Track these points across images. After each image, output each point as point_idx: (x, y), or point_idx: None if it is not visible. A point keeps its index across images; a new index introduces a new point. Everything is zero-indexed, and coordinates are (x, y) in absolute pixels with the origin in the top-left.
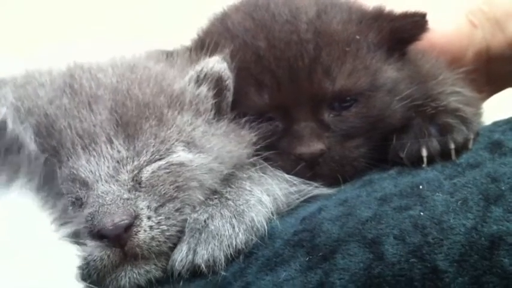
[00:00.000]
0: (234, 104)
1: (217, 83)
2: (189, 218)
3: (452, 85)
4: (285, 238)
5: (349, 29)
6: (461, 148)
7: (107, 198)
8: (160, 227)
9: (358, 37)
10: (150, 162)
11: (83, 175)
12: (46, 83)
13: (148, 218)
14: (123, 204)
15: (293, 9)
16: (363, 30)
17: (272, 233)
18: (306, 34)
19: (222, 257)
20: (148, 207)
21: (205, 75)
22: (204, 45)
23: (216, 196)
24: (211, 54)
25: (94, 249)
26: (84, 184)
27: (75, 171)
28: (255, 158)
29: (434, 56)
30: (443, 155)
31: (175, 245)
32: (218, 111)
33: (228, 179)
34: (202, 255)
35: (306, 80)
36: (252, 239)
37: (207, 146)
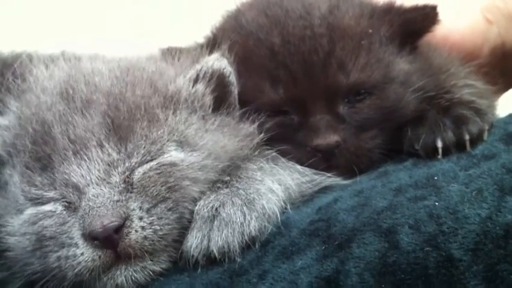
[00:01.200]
0: (248, 99)
1: (219, 80)
2: (198, 206)
3: (465, 78)
4: (301, 228)
5: (361, 23)
6: (476, 139)
7: (97, 201)
8: (153, 227)
9: (370, 31)
10: (141, 163)
11: (75, 180)
12: (49, 87)
13: (140, 218)
14: (112, 206)
15: (306, 5)
16: (375, 24)
17: (288, 223)
18: (320, 29)
19: (236, 243)
20: (140, 208)
21: (205, 73)
22: (217, 42)
23: (226, 185)
24: (229, 52)
25: (86, 249)
26: (76, 188)
27: (67, 177)
28: (268, 150)
29: (446, 50)
30: (458, 146)
31: (174, 241)
32: (220, 106)
33: (238, 170)
34: (216, 242)
35: (321, 74)
36: (265, 226)
37: (200, 144)
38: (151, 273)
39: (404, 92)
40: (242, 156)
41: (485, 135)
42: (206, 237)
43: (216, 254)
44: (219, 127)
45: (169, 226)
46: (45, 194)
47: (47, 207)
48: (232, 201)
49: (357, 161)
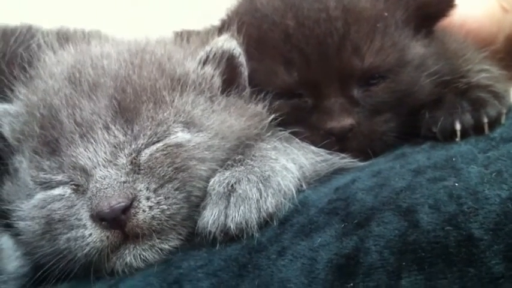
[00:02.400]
0: (262, 82)
1: (229, 61)
2: (212, 182)
3: (481, 63)
4: (319, 206)
5: (377, 6)
6: (494, 122)
7: (104, 183)
8: (160, 206)
9: (386, 14)
10: (148, 145)
11: (82, 162)
12: (57, 72)
13: (147, 198)
14: (119, 187)
15: None
16: (391, 7)
17: (306, 202)
18: (335, 11)
19: (254, 219)
20: (147, 188)
21: (215, 54)
22: (231, 24)
23: (241, 164)
24: (237, 33)
25: (94, 230)
26: (84, 171)
27: (74, 159)
28: (282, 131)
29: (462, 35)
30: (476, 129)
31: (183, 219)
32: (230, 87)
33: (252, 150)
34: (234, 218)
35: (335, 57)
36: (282, 202)
37: (206, 124)
38: (159, 251)
39: (419, 75)
40: (251, 135)
41: (503, 119)
42: (223, 213)
43: (234, 230)
44: (225, 107)
45: (177, 205)
46: (54, 177)
47: (56, 191)
48: (248, 178)
49: (370, 144)
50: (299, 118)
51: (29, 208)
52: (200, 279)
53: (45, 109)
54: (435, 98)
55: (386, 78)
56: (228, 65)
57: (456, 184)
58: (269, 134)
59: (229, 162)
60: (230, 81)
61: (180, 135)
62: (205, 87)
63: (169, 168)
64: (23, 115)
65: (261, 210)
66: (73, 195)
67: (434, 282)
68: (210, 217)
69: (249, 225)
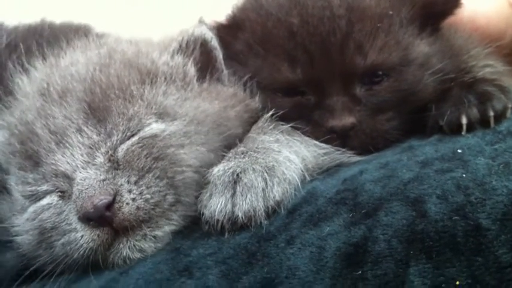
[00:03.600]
0: (266, 79)
1: (203, 47)
2: (215, 171)
3: (485, 59)
4: (327, 197)
5: (381, 5)
6: (500, 116)
7: (85, 184)
8: (143, 196)
9: (391, 12)
10: (123, 140)
11: (62, 168)
12: (30, 91)
13: (129, 191)
14: (99, 185)
15: None
16: (396, 5)
17: (314, 192)
18: (339, 10)
19: (262, 207)
20: (128, 182)
21: (187, 43)
22: (237, 21)
23: (244, 156)
24: (242, 30)
25: (84, 232)
26: (66, 176)
27: (54, 167)
28: (284, 125)
29: (467, 31)
30: (482, 123)
31: (171, 205)
32: (206, 73)
33: (255, 143)
34: (242, 206)
35: (338, 55)
36: (287, 191)
37: (179, 112)
38: (153, 238)
39: (423, 74)
40: (230, 117)
41: (509, 112)
42: (230, 201)
43: (242, 219)
44: (199, 94)
45: (161, 193)
46: (39, 188)
47: (44, 201)
48: (253, 168)
49: (372, 143)
50: (302, 115)
51: (22, 222)
52: (210, 267)
53: (22, 126)
54: (441, 92)
55: (390, 77)
56: (203, 51)
57: (464, 175)
58: (271, 127)
59: (231, 154)
60: (206, 66)
61: (154, 126)
62: (177, 77)
63: (148, 159)
64: (7, 138)
65: (268, 198)
66: (60, 201)
67: (442, 270)
68: (217, 206)
69: (257, 214)
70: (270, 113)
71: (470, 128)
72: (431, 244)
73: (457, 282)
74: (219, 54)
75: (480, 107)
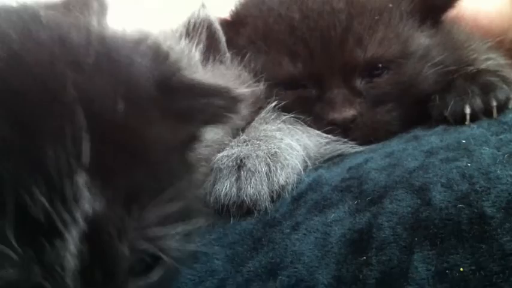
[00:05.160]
0: (268, 74)
1: (208, 29)
2: (219, 157)
3: (486, 53)
4: (332, 184)
5: None
6: (503, 106)
7: None
8: None
9: (390, 5)
10: None
11: None
12: None
13: None
14: None
15: None
16: None
17: (319, 180)
18: (339, 4)
19: (267, 191)
20: None
21: (195, 25)
22: (240, 17)
23: (247, 144)
24: (245, 26)
25: None
26: None
27: None
28: (286, 115)
29: (468, 27)
30: (486, 113)
31: None
32: (209, 55)
33: (257, 131)
34: (247, 190)
35: (338, 49)
36: (290, 176)
37: None
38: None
39: (423, 66)
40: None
41: (511, 103)
42: (235, 185)
43: (248, 203)
44: (202, 76)
45: None
46: None
47: None
48: (256, 154)
49: (374, 134)
50: (304, 108)
51: None
52: (216, 252)
53: None
54: (445, 83)
55: (390, 69)
56: (208, 34)
57: (469, 164)
58: (273, 117)
59: (234, 142)
60: (210, 48)
61: None
62: (183, 62)
63: None
64: None
65: (273, 182)
66: None
67: (446, 257)
68: (222, 190)
69: (262, 198)
70: (273, 104)
71: (474, 118)
72: (435, 231)
73: (461, 269)
74: (223, 37)
75: (483, 97)
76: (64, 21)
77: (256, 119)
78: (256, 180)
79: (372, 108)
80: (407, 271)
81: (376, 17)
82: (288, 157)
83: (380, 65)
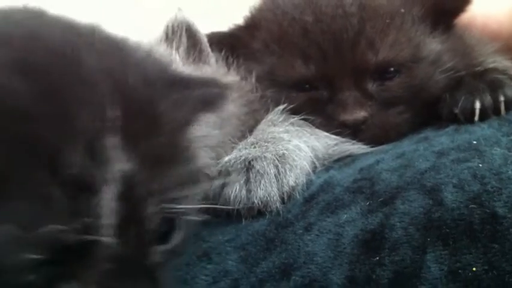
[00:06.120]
0: (281, 76)
1: (188, 31)
2: (227, 159)
3: (492, 56)
4: (344, 186)
5: (394, 3)
6: (511, 103)
7: None
8: None
9: (402, 10)
10: None
11: None
12: None
13: None
14: None
15: None
16: (407, 3)
17: (331, 182)
18: (351, 8)
19: (276, 193)
20: None
21: (173, 28)
22: (255, 21)
23: (254, 146)
24: (259, 30)
25: None
26: None
27: None
28: (294, 117)
29: (478, 32)
30: (495, 111)
31: None
32: (190, 56)
33: (264, 134)
34: (257, 193)
35: (350, 52)
36: (299, 177)
37: None
38: None
39: (434, 71)
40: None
41: None
42: (244, 188)
43: (259, 205)
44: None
45: None
46: None
47: None
48: (264, 156)
49: (384, 136)
50: (315, 109)
51: None
52: (228, 252)
53: None
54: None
55: (401, 73)
56: (188, 35)
57: (480, 165)
58: (281, 119)
59: (241, 145)
60: (192, 49)
61: None
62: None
63: None
64: None
65: (282, 184)
66: None
67: (459, 257)
68: (232, 193)
69: (272, 199)
70: (281, 107)
71: (483, 115)
72: (448, 231)
73: (474, 269)
74: (203, 36)
75: (492, 93)
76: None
77: (263, 121)
78: (265, 182)
79: (382, 110)
80: (420, 271)
81: (388, 21)
82: (296, 158)
83: (391, 69)
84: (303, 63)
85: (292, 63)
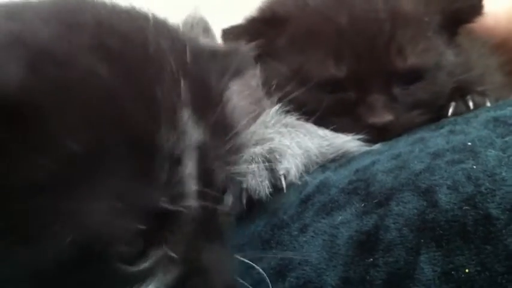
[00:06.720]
0: (311, 74)
1: (205, 28)
2: None
3: (490, 76)
4: (339, 187)
5: (420, 11)
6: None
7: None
8: None
9: (427, 19)
10: None
11: None
12: None
13: None
14: None
15: None
16: (430, 12)
17: (326, 183)
18: (383, 14)
19: (267, 183)
20: None
21: (192, 25)
22: (279, 17)
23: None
24: (286, 26)
25: None
26: None
27: None
28: (289, 118)
29: (481, 40)
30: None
31: None
32: None
33: (256, 136)
34: (255, 190)
35: (382, 57)
36: (291, 173)
37: None
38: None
39: (449, 81)
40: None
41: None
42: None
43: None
44: None
45: None
46: None
47: None
48: (255, 160)
49: None
50: (342, 111)
51: None
52: None
53: None
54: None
55: (424, 79)
56: (204, 33)
57: (474, 166)
58: (273, 122)
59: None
60: None
61: None
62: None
63: None
64: None
65: (276, 180)
66: None
67: (452, 258)
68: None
69: (263, 190)
70: (276, 107)
71: None
72: (441, 233)
73: (467, 270)
74: (214, 34)
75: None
76: None
77: (255, 124)
78: (257, 181)
79: (406, 112)
80: (414, 272)
81: (416, 29)
82: (289, 158)
83: (416, 75)
84: (335, 63)
85: (324, 62)
